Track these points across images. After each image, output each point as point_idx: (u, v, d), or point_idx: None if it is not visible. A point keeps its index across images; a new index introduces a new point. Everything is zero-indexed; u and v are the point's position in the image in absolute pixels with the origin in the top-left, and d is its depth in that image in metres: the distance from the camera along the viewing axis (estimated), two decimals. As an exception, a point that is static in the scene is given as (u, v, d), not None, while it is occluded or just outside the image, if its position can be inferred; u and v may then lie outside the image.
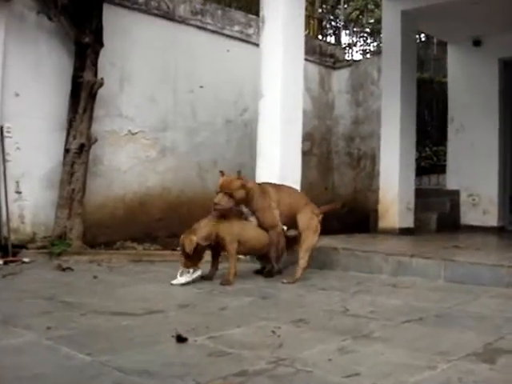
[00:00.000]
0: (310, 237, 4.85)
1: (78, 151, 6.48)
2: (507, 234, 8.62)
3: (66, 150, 6.48)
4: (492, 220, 9.10)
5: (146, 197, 7.69)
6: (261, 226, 4.80)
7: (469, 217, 9.33)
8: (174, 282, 4.55)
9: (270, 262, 4.90)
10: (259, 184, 5.08)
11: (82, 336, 2.92)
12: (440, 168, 10.53)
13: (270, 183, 5.14)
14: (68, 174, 6.45)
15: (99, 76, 6.68)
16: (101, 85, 6.66)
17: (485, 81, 9.18)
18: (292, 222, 4.91)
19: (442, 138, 10.51)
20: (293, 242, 4.98)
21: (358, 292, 4.32)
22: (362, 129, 10.34)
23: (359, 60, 11.91)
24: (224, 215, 4.66)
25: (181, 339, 2.78)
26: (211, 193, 7.58)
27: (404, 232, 7.68)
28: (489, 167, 9.07)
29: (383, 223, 7.88)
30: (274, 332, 2.97)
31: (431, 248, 5.99)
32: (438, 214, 8.70)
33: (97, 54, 6.65)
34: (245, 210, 4.77)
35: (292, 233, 4.96)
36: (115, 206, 7.36)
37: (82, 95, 6.50)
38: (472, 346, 2.71)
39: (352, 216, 9.35)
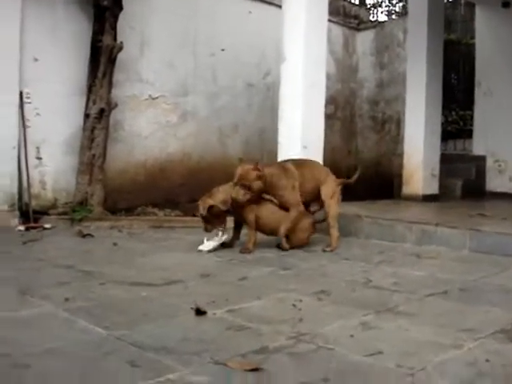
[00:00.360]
0: (333, 205, 4.82)
1: (98, 116, 6.40)
2: (534, 201, 8.41)
3: (86, 115, 6.41)
4: (518, 187, 8.89)
5: (167, 162, 7.63)
6: (282, 205, 4.67)
7: (495, 183, 9.12)
8: (202, 247, 4.52)
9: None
10: (279, 163, 5.01)
11: (100, 308, 2.88)
12: (466, 133, 10.29)
13: (292, 160, 5.01)
14: (88, 140, 6.39)
15: (118, 40, 6.55)
16: (120, 49, 6.54)
17: (514, 43, 8.86)
18: (315, 195, 4.85)
19: (469, 102, 10.23)
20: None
21: (382, 262, 4.23)
22: (386, 92, 10.14)
23: (384, 21, 11.60)
24: None
25: (200, 312, 2.73)
26: (231, 158, 7.64)
27: (428, 198, 7.53)
28: (517, 133, 8.81)
29: (407, 189, 7.73)
30: (294, 305, 2.91)
31: (456, 216, 5.86)
32: (464, 181, 8.54)
33: (116, 18, 6.51)
34: (267, 197, 4.66)
35: (314, 207, 4.93)
36: (136, 171, 7.32)
37: (102, 59, 6.39)
38: (499, 323, 2.62)
39: (376, 180, 9.25)
